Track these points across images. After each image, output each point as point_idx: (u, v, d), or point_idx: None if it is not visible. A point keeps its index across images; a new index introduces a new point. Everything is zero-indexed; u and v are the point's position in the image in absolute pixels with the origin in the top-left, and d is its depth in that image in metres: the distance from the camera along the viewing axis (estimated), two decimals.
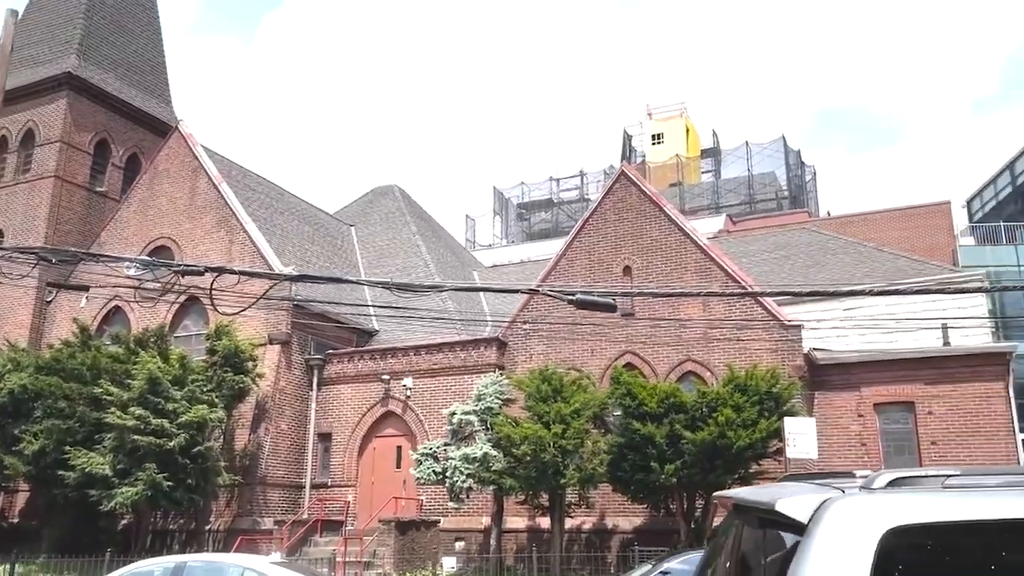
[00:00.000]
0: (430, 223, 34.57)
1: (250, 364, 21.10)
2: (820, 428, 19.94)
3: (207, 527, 21.14)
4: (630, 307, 20.83)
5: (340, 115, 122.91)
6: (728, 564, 3.36)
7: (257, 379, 21.35)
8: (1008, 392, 18.55)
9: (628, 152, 66.99)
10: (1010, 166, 47.12)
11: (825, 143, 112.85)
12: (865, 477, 2.98)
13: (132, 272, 16.93)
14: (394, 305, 22.43)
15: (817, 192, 63.75)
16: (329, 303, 23.53)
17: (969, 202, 51.33)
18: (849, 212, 46.96)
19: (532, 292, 15.23)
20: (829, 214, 54.39)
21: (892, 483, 2.78)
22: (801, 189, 60.10)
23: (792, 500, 2.81)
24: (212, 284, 11.17)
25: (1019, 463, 18.13)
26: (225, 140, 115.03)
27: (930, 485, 2.77)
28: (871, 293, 14.26)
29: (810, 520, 2.68)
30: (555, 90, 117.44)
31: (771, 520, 2.88)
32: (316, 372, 23.36)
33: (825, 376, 20.01)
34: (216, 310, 15.81)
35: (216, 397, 20.23)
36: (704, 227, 46.42)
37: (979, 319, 21.08)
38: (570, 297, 15.60)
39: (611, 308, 15.24)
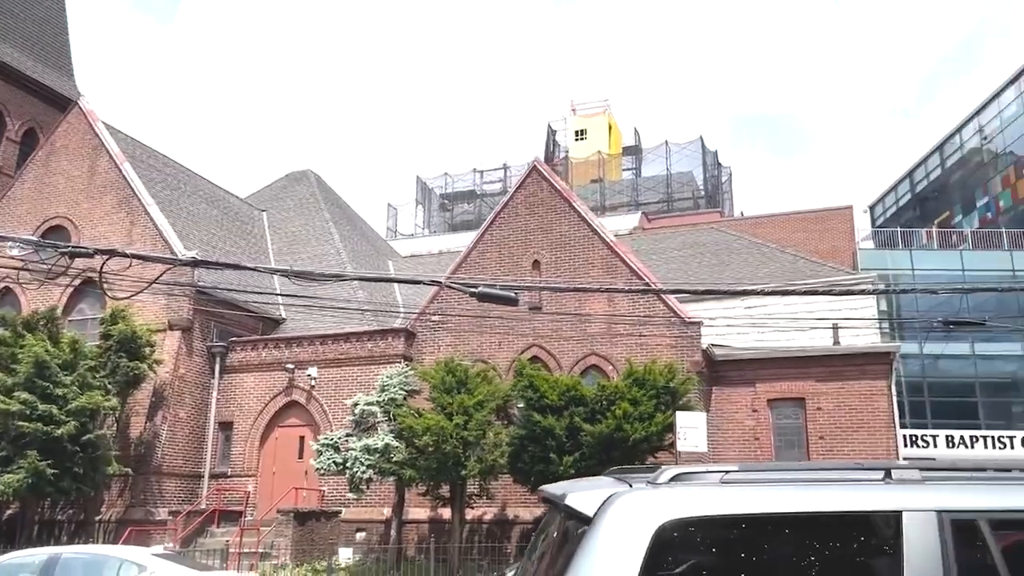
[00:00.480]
0: (345, 210, 34.13)
1: (147, 350, 20.48)
2: (717, 422, 20.59)
3: (97, 517, 20.46)
4: (538, 301, 21.04)
5: (259, 99, 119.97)
6: (543, 555, 3.46)
7: (155, 365, 20.75)
8: (890, 390, 19.51)
9: (552, 147, 67.55)
10: (910, 175, 49.40)
11: (744, 146, 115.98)
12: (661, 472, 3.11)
13: (16, 252, 16.20)
14: (301, 295, 22.10)
15: (732, 193, 65.39)
16: (235, 290, 23.01)
17: (872, 207, 53.61)
18: (760, 213, 48.49)
19: (435, 284, 15.25)
20: (743, 214, 55.95)
21: (675, 478, 2.92)
22: (717, 189, 61.60)
23: (581, 494, 2.92)
24: (102, 267, 10.83)
25: (898, 457, 19.10)
26: (137, 120, 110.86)
27: (709, 480, 2.91)
28: (760, 293, 14.79)
29: (595, 514, 2.79)
30: (482, 81, 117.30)
31: (570, 513, 2.98)
32: (219, 360, 22.83)
33: (723, 372, 20.65)
34: (106, 294, 15.32)
35: (110, 383, 19.58)
36: (621, 224, 47.21)
37: (868, 320, 22.03)
38: (473, 290, 15.69)
39: (512, 301, 15.40)
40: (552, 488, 3.35)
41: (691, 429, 14.62)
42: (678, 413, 15.03)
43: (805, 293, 14.57)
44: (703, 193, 59.66)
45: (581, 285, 19.65)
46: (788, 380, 20.23)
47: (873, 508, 2.77)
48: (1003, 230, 38.60)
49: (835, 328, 20.76)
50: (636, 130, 67.46)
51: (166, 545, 15.26)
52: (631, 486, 2.91)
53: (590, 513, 2.81)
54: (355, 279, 14.47)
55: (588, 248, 21.38)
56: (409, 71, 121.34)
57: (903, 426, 35.61)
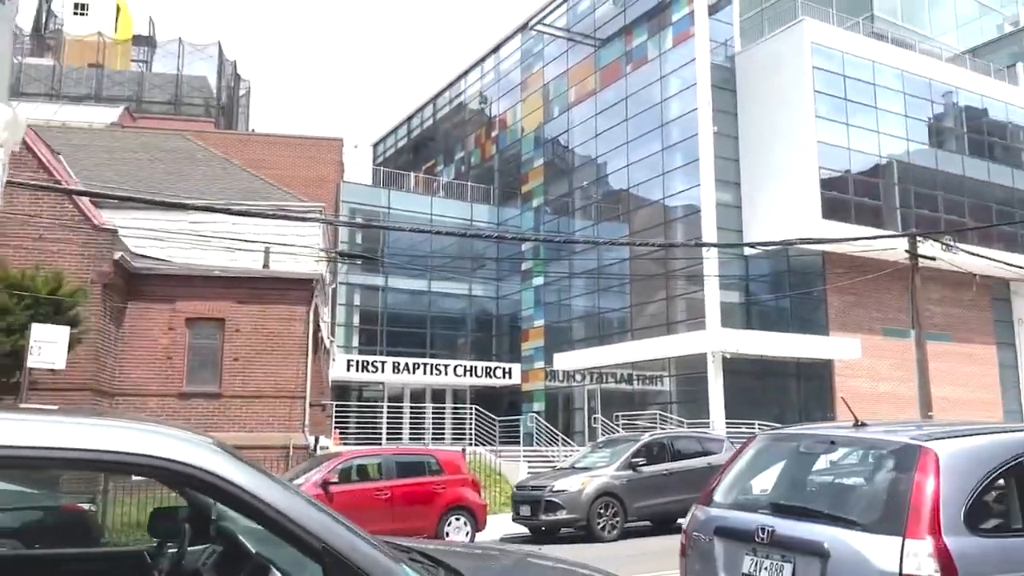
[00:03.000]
0: None
1: None
2: (129, 340, 19.20)
3: None
4: None
5: None
6: None
7: None
8: (309, 316, 20.13)
9: (45, 16, 58.11)
10: (408, 120, 52.60)
11: (277, 65, 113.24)
12: None
13: None
14: None
15: (250, 108, 63.34)
16: None
17: (375, 145, 56.17)
18: (266, 132, 47.54)
19: None
20: (253, 131, 54.40)
21: None
22: (234, 101, 59.14)
23: None
24: None
25: (307, 380, 19.86)
26: None
27: None
28: (150, 203, 13.69)
29: None
30: None
31: None
32: None
33: (142, 286, 19.26)
34: None
35: None
36: (102, 116, 42.15)
37: (307, 248, 22.28)
38: None
39: None
40: None
41: (49, 344, 13.06)
42: (35, 325, 13.32)
43: (205, 210, 13.99)
44: (216, 102, 56.58)
45: None
46: (210, 299, 19.66)
47: None
48: (468, 184, 43.32)
49: (267, 252, 20.75)
50: (151, 20, 61.13)
51: None
52: None
53: None
54: None
55: None
56: None
57: (360, 352, 38.22)
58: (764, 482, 5.37)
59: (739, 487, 5.43)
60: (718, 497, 5.39)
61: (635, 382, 33.13)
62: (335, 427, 29.25)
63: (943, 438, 4.69)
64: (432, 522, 13.54)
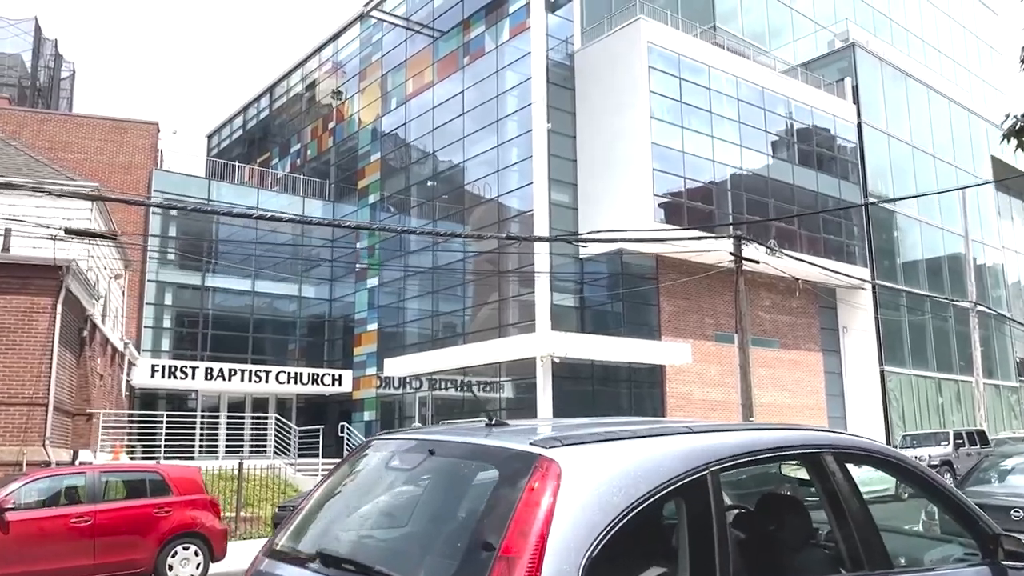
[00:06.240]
0: None
1: None
2: None
3: None
4: None
5: None
6: None
7: None
8: (56, 308, 17.15)
9: None
10: (244, 110, 49.19)
11: (112, 49, 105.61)
12: None
13: None
14: None
15: (74, 91, 58.20)
16: None
17: (210, 136, 52.34)
18: (69, 112, 43.33)
19: None
20: (71, 111, 49.61)
21: None
22: (54, 83, 54.13)
23: None
24: None
25: (52, 379, 16.87)
26: None
27: None
28: None
29: None
30: None
31: None
32: None
33: None
34: None
35: None
36: None
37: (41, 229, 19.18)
38: None
39: None
40: None
41: None
42: None
43: None
44: (32, 82, 51.48)
45: None
46: None
47: None
48: (302, 177, 40.55)
49: (7, 233, 17.65)
50: None
51: None
52: None
53: None
54: None
55: None
56: None
57: (174, 357, 34.66)
58: (349, 514, 3.56)
59: (321, 522, 3.57)
60: (283, 538, 3.52)
61: (470, 388, 31.42)
62: (134, 439, 25.99)
63: (580, 443, 2.95)
64: (150, 554, 11.13)
